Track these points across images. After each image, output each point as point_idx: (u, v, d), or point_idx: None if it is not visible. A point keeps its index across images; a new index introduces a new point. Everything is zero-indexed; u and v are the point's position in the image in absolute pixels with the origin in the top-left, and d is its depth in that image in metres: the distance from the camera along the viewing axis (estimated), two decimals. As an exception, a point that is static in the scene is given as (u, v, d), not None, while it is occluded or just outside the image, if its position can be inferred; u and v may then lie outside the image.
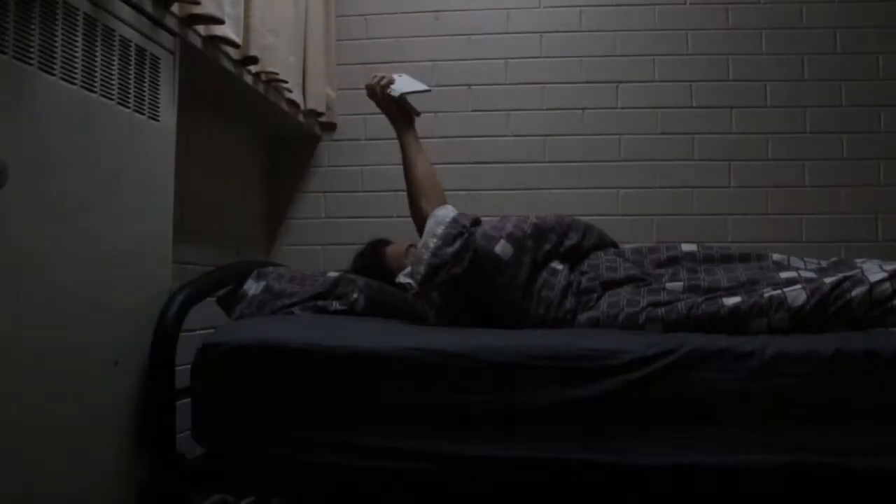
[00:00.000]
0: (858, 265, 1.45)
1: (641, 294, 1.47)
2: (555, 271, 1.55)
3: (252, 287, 1.62)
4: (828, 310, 1.32)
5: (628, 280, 1.53)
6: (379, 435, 1.25)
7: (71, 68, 1.19)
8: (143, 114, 1.39)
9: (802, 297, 1.34)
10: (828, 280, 1.36)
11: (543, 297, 1.51)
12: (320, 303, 1.58)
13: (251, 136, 2.43)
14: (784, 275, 1.47)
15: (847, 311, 1.32)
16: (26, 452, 1.09)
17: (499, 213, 2.41)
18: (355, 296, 1.59)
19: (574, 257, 1.65)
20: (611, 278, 1.54)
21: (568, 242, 1.64)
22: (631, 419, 1.20)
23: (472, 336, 1.35)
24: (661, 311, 1.40)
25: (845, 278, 1.34)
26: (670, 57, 2.50)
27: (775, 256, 1.59)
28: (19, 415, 1.08)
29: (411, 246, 1.76)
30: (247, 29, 1.85)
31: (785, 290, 1.36)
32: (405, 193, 2.48)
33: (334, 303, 1.59)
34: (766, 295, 1.36)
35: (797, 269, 1.51)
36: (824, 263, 1.57)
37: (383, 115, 2.57)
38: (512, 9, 2.56)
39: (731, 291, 1.43)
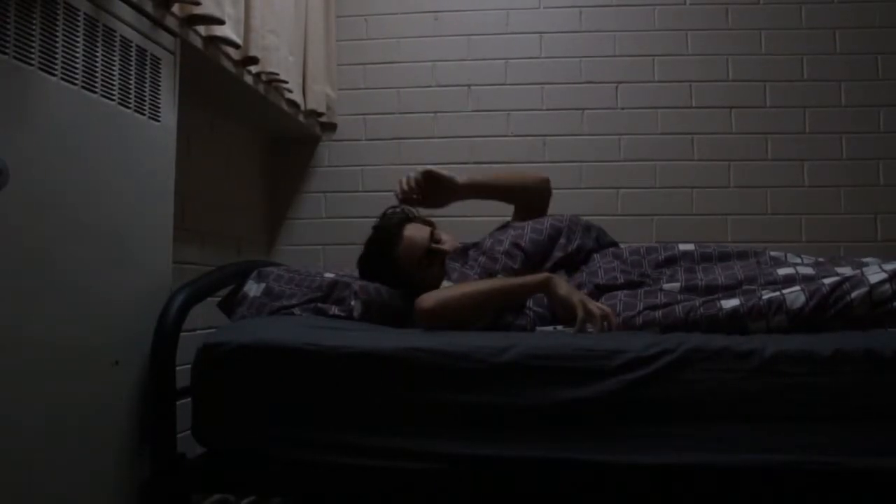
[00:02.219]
0: (857, 264, 1.44)
1: (638, 297, 1.46)
2: None
3: (252, 288, 1.62)
4: (827, 312, 1.32)
5: (626, 284, 1.53)
6: (379, 435, 1.25)
7: (71, 69, 1.19)
8: (144, 114, 1.40)
9: (801, 299, 1.33)
10: (827, 281, 1.35)
11: (538, 313, 1.55)
12: (320, 305, 1.58)
13: (251, 136, 2.43)
14: (781, 271, 1.46)
15: (847, 312, 1.31)
16: (26, 452, 1.09)
17: (499, 214, 2.44)
18: (352, 303, 1.58)
19: (569, 265, 1.67)
20: (610, 283, 1.54)
21: (558, 254, 1.67)
22: (631, 419, 1.20)
23: (473, 336, 1.35)
24: (658, 314, 1.40)
25: (845, 279, 1.34)
26: (670, 57, 2.50)
27: (772, 253, 1.59)
28: (19, 414, 1.08)
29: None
30: (247, 29, 1.85)
31: (783, 291, 1.36)
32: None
33: (333, 307, 1.58)
34: (764, 297, 1.35)
35: (794, 264, 1.50)
36: (822, 259, 1.56)
37: (383, 116, 2.60)
38: (512, 9, 2.56)
39: (728, 291, 1.42)
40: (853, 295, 1.31)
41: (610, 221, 2.36)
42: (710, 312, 1.36)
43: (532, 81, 2.53)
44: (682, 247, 1.62)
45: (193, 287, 1.45)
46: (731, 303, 1.37)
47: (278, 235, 2.59)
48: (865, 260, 1.51)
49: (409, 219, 1.83)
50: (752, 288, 1.42)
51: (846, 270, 1.43)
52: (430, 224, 1.84)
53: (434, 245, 1.75)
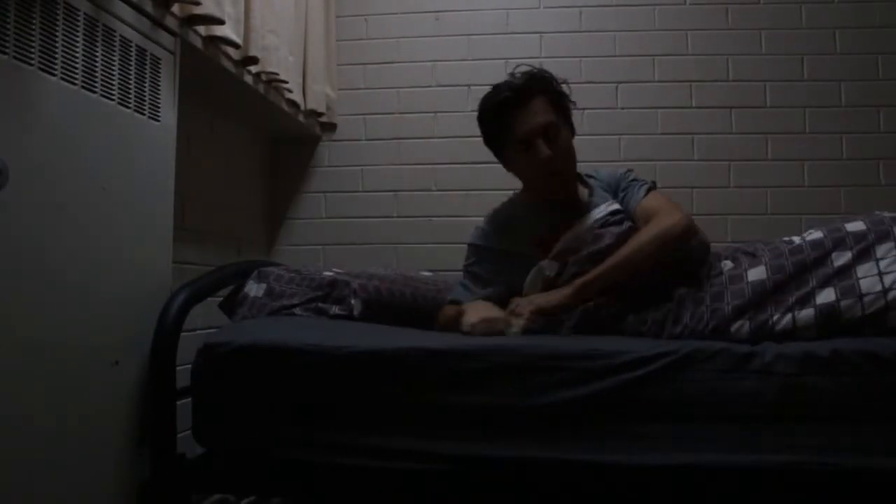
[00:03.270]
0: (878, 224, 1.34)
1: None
2: None
3: (253, 289, 1.62)
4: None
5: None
6: (381, 435, 1.25)
7: (71, 69, 1.19)
8: (144, 114, 1.40)
9: (812, 335, 1.27)
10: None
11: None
12: (320, 305, 1.58)
13: (251, 136, 2.43)
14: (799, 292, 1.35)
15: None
16: (26, 452, 1.09)
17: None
18: (352, 301, 1.58)
19: None
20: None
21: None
22: (632, 419, 1.20)
23: (474, 337, 1.35)
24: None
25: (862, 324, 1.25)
26: (670, 57, 2.50)
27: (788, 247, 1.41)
28: (19, 415, 1.08)
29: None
30: (247, 29, 1.85)
31: (797, 318, 1.28)
32: (404, 193, 2.52)
33: (334, 307, 1.58)
34: (777, 329, 1.28)
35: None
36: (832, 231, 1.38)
37: (383, 116, 2.59)
38: (512, 9, 2.56)
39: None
40: (865, 328, 1.28)
41: (610, 221, 2.38)
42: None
43: (532, 81, 2.53)
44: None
45: (193, 287, 1.45)
46: (742, 330, 1.31)
47: (278, 235, 2.59)
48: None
49: (546, 92, 1.59)
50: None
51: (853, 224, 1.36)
52: (564, 111, 1.61)
53: (541, 141, 1.52)
